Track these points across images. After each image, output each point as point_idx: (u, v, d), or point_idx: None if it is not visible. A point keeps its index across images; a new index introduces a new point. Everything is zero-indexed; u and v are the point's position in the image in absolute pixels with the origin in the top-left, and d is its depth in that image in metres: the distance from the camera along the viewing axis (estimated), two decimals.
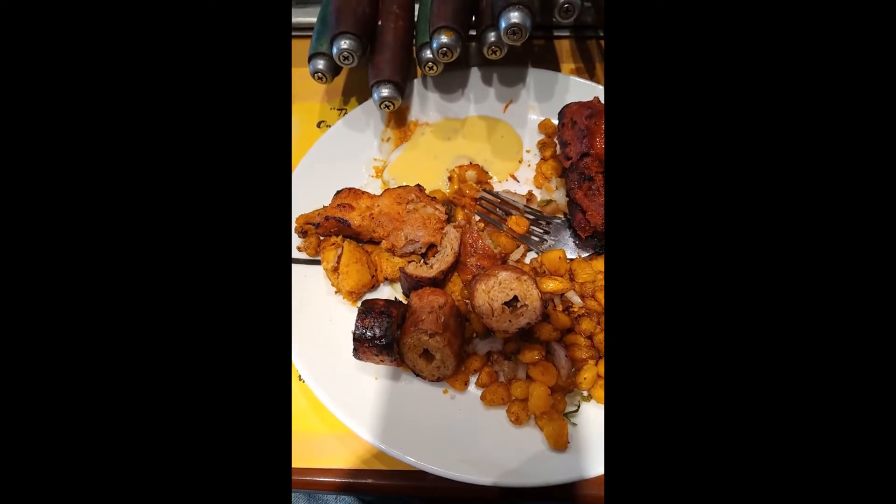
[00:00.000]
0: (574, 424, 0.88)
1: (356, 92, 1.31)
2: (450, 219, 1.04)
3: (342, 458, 0.90)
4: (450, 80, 1.23)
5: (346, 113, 1.25)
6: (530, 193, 1.11)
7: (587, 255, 1.03)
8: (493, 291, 0.85)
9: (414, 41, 1.17)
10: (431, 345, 0.86)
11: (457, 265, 0.94)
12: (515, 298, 0.85)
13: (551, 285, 0.92)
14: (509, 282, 0.85)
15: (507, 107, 1.22)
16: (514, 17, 0.97)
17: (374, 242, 1.01)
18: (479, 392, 0.91)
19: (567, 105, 1.07)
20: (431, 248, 0.97)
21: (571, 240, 1.05)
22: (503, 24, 0.97)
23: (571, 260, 1.00)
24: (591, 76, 1.33)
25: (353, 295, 0.97)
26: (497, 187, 1.14)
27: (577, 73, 1.34)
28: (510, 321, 0.84)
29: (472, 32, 1.24)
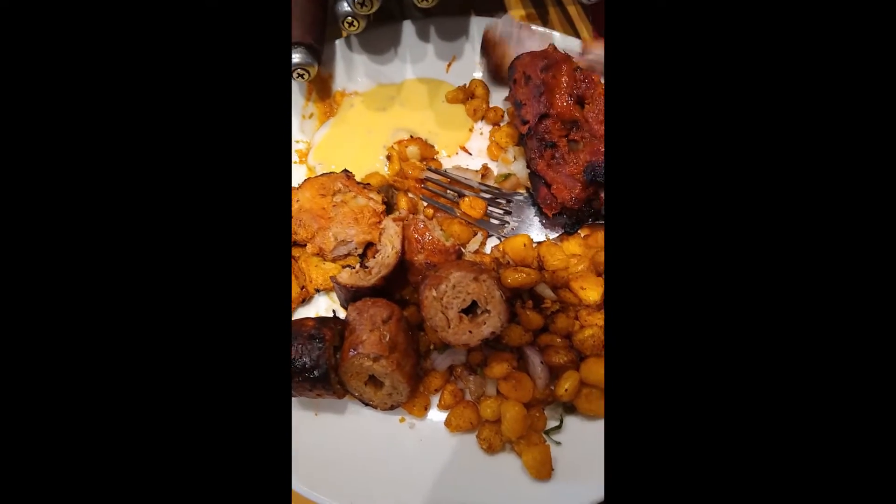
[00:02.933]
0: (558, 444, 0.73)
1: None
2: (389, 208, 0.86)
3: None
4: (379, 37, 1.03)
5: None
6: (485, 167, 0.93)
7: (556, 235, 0.87)
8: (447, 297, 0.69)
9: None
10: (377, 370, 0.70)
11: (402, 266, 0.77)
12: (474, 304, 0.69)
13: (517, 278, 0.76)
14: (465, 283, 0.69)
15: (450, 65, 1.03)
16: None
17: (300, 245, 0.83)
18: (442, 416, 0.76)
19: (517, 58, 0.89)
20: (370, 248, 0.80)
21: (537, 219, 0.89)
22: None
23: (539, 244, 0.84)
24: (545, 22, 1.15)
25: None
26: (446, 163, 0.96)
27: (529, 19, 1.15)
28: (470, 332, 0.68)
29: None
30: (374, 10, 0.86)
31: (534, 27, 1.00)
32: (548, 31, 1.01)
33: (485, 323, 0.68)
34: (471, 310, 0.69)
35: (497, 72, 0.98)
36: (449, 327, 0.68)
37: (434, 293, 0.69)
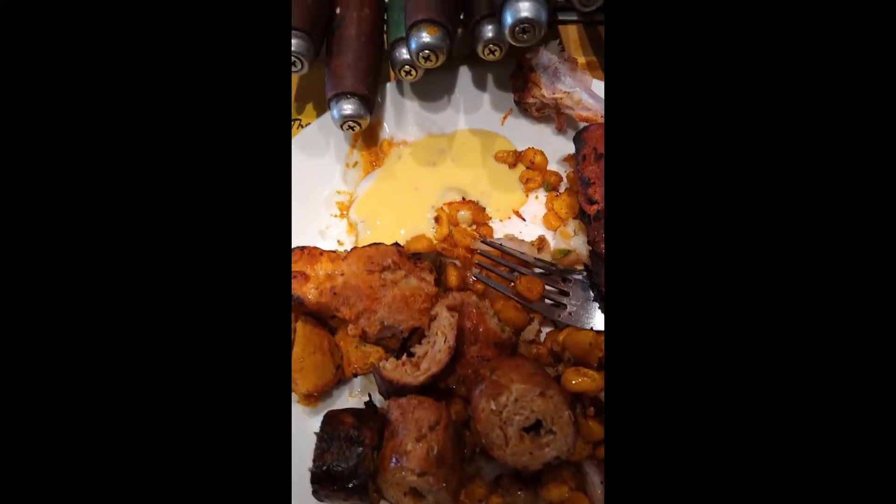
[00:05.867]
0: None
1: (313, 96, 1.02)
2: (438, 281, 0.78)
3: None
4: (432, 83, 0.95)
5: (299, 127, 0.97)
6: (541, 240, 0.85)
7: None
8: (507, 412, 0.61)
9: (385, 36, 0.88)
10: (421, 485, 0.62)
11: (454, 359, 0.69)
12: (538, 423, 0.61)
13: (581, 384, 0.68)
14: (529, 399, 0.61)
15: (505, 118, 0.96)
16: (525, 8, 0.69)
17: (339, 320, 0.75)
18: None
19: (586, 129, 0.81)
20: (416, 331, 0.72)
21: (597, 304, 0.81)
22: (509, 20, 0.70)
23: (601, 335, 0.76)
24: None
25: (311, 398, 0.72)
26: (497, 228, 0.88)
27: (590, 67, 1.07)
28: (532, 454, 0.60)
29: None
30: (438, 65, 0.78)
31: (599, 81, 0.92)
32: (587, 75, 0.93)
33: (549, 445, 0.60)
34: (534, 427, 0.61)
35: (520, 100, 0.91)
36: (507, 446, 0.60)
37: (493, 406, 0.61)
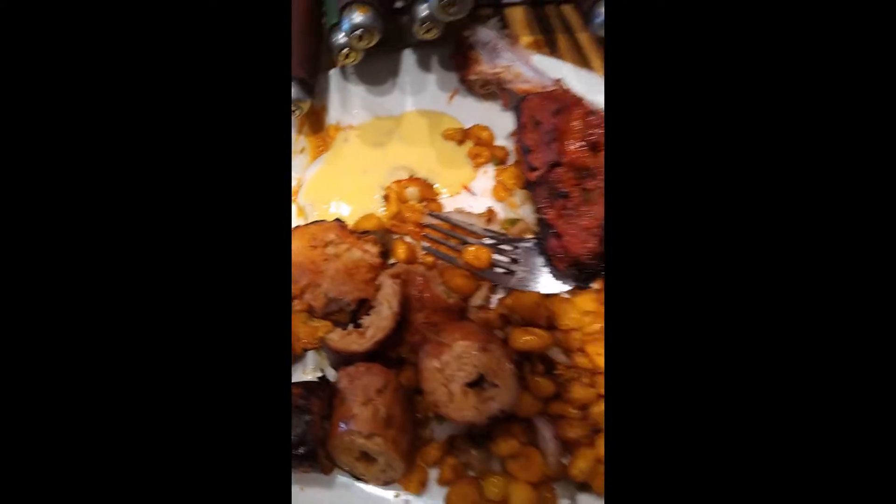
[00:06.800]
0: None
1: None
2: (385, 256, 0.79)
3: None
4: (377, 67, 0.96)
5: None
6: (490, 211, 0.87)
7: (568, 289, 0.80)
8: (450, 369, 0.62)
9: (323, 21, 0.90)
10: (370, 448, 0.63)
11: (399, 325, 0.70)
12: (482, 377, 0.62)
13: (528, 342, 0.69)
14: (471, 354, 0.62)
15: (452, 96, 0.97)
16: None
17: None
18: (441, 492, 0.68)
19: (524, 99, 0.83)
20: (363, 303, 0.73)
21: (546, 269, 0.82)
22: None
23: (549, 297, 0.77)
24: (553, 50, 1.09)
25: None
26: (448, 204, 0.90)
27: (536, 46, 1.09)
28: (476, 409, 0.61)
29: (399, 4, 0.97)
30: (372, 43, 0.80)
31: (543, 57, 0.94)
32: (557, 60, 0.95)
33: (492, 399, 0.61)
34: (477, 382, 0.62)
35: (463, 78, 0.93)
36: (452, 402, 0.61)
37: (436, 364, 0.62)
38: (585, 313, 0.74)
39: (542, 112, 0.79)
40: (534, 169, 0.79)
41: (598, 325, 0.71)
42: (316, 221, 0.75)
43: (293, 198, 0.90)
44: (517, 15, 1.14)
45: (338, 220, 0.76)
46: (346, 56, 0.85)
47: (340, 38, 0.82)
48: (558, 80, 0.87)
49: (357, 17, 0.76)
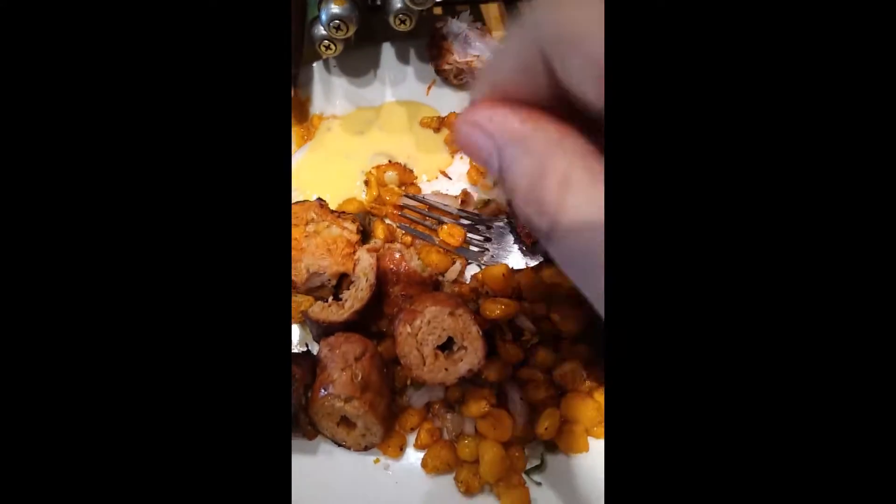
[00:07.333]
0: (538, 484, 0.71)
1: None
2: (366, 236, 0.83)
3: None
4: (358, 59, 1.01)
5: None
6: (465, 193, 0.91)
7: (535, 263, 0.85)
8: (422, 334, 0.66)
9: (305, 15, 0.94)
10: (349, 411, 0.67)
11: (377, 298, 0.74)
12: (451, 340, 0.66)
13: (495, 310, 0.73)
14: (440, 319, 0.66)
15: (430, 88, 1.02)
16: None
17: None
18: (419, 456, 0.73)
19: None
20: (344, 279, 0.77)
21: (517, 246, 0.87)
22: None
23: (517, 271, 0.82)
24: None
25: None
26: (425, 188, 0.94)
27: None
28: (446, 370, 0.66)
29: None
30: (350, 34, 0.84)
31: (490, 35, 0.99)
32: (497, 42, 0.99)
33: (461, 360, 0.66)
34: (447, 346, 0.67)
35: (438, 68, 0.97)
36: (424, 365, 0.66)
37: (408, 329, 0.66)
38: (551, 284, 0.79)
39: None
40: None
41: (562, 293, 0.75)
42: (298, 202, 0.79)
43: None
44: (492, 11, 1.19)
45: (318, 198, 0.80)
46: (328, 48, 0.89)
47: (321, 30, 0.87)
48: None
49: (334, 8, 0.81)
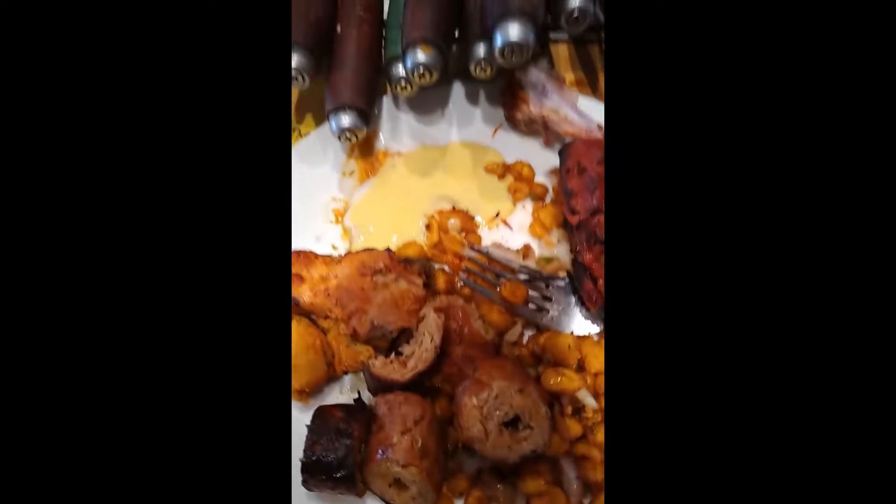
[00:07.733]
0: None
1: (313, 107, 1.06)
2: (427, 284, 0.82)
3: None
4: (427, 97, 0.99)
5: (298, 136, 1.01)
6: (527, 248, 0.90)
7: (598, 331, 0.83)
8: (488, 408, 0.65)
9: (382, 51, 0.93)
10: (405, 476, 0.66)
11: (438, 358, 0.73)
12: (517, 418, 0.65)
13: (560, 384, 0.72)
14: (509, 395, 0.65)
15: (496, 131, 1.00)
16: (514, 32, 0.74)
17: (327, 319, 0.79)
18: None
19: (571, 144, 0.86)
20: (404, 331, 0.76)
21: (578, 309, 0.85)
22: (499, 42, 0.75)
23: (580, 339, 0.80)
24: (594, 89, 1.12)
25: (303, 394, 0.76)
26: (485, 236, 0.93)
27: (578, 85, 1.12)
28: (510, 448, 0.64)
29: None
30: (433, 81, 0.83)
31: (585, 98, 0.97)
32: (576, 92, 0.97)
33: (526, 439, 0.64)
34: (513, 422, 0.65)
35: (510, 115, 0.95)
36: (487, 440, 0.64)
37: (474, 401, 0.65)
38: None
39: (588, 159, 0.82)
40: (575, 212, 0.82)
41: None
42: (367, 249, 0.78)
43: (340, 219, 0.93)
44: (562, 52, 1.17)
45: (388, 249, 0.79)
46: (403, 88, 0.88)
47: (401, 71, 0.86)
48: (602, 127, 0.90)
49: (421, 56, 0.80)
